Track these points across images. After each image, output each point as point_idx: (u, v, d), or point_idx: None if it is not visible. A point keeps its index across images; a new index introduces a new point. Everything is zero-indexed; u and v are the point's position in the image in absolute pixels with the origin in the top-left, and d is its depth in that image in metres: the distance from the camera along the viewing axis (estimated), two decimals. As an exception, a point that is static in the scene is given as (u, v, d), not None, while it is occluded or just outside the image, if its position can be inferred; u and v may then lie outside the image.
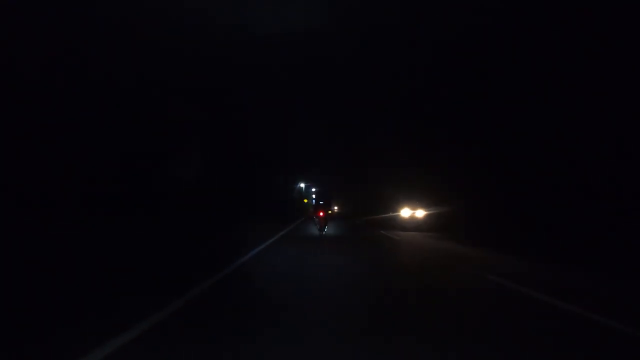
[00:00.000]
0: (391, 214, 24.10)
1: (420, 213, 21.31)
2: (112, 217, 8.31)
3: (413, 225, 21.02)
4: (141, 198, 9.54)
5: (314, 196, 60.40)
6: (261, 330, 3.33)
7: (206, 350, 2.84)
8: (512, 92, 13.28)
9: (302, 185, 50.02)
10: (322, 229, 15.80)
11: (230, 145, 16.79)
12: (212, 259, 7.59)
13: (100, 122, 8.69)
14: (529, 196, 12.84)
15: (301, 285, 5.31)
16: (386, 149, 29.08)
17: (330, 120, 30.30)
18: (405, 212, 21.96)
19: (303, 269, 6.87)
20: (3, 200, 6.68)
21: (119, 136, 8.91)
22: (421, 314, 4.04)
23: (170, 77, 10.33)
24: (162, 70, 9.90)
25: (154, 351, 2.83)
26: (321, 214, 16.16)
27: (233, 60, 13.53)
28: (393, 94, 21.69)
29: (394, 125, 26.14)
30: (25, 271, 5.12)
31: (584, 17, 9.69)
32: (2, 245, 5.74)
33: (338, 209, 54.31)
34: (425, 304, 4.56)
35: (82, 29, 8.02)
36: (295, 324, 3.50)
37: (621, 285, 6.18)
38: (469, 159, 17.20)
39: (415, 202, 21.52)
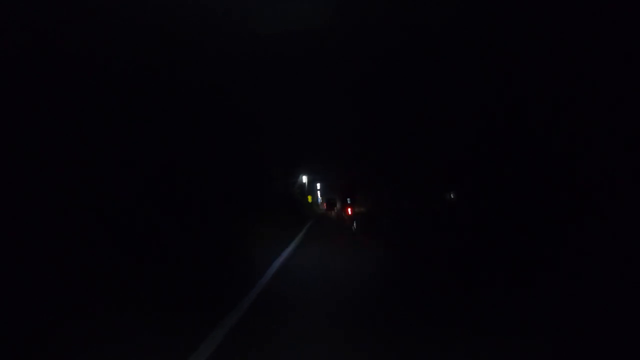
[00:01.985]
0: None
1: None
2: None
3: None
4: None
5: (319, 194, 56.84)
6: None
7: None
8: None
9: (305, 179, 40.52)
10: (351, 225, 16.46)
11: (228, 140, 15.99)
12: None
13: (99, 122, 8.62)
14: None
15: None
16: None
17: (336, 114, 29.96)
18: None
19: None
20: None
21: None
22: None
23: (169, 76, 10.28)
24: (160, 69, 9.85)
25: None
26: (349, 211, 17.29)
27: (233, 58, 13.48)
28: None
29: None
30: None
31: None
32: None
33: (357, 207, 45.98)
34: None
35: (81, 28, 7.96)
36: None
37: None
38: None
39: None
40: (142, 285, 5.04)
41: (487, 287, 5.72)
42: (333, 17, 13.12)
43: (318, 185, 53.76)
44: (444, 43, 14.85)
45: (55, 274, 4.94)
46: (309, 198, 41.18)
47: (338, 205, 31.37)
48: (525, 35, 11.07)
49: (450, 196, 26.02)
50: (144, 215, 8.84)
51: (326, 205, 41.07)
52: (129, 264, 6.05)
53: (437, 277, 6.66)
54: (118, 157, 8.72)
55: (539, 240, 9.77)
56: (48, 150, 7.00)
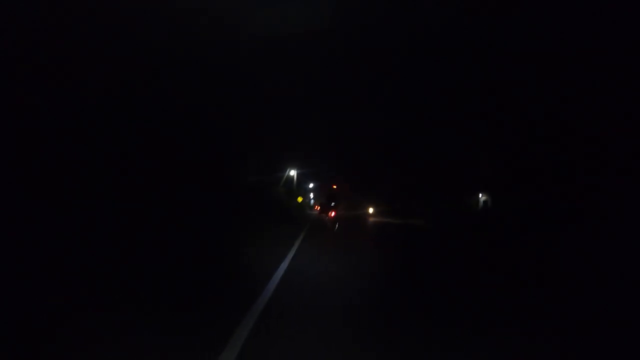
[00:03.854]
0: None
1: None
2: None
3: None
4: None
5: (312, 194, 53.86)
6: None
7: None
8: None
9: (294, 173, 33.82)
10: (332, 226, 17.44)
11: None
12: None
13: (99, 120, 8.62)
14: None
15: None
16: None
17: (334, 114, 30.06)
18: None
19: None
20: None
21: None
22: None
23: (168, 76, 10.27)
24: (159, 68, 9.85)
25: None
26: (332, 214, 19.02)
27: (233, 60, 13.47)
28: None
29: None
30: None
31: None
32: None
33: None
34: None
35: (80, 27, 7.96)
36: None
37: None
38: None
39: None
40: (142, 285, 5.04)
41: (487, 287, 5.72)
42: (333, 17, 13.14)
43: (311, 185, 50.59)
44: (444, 43, 14.86)
45: (55, 274, 4.93)
46: (299, 199, 35.45)
47: (325, 208, 31.48)
48: (526, 35, 11.08)
49: (479, 199, 25.17)
50: (144, 215, 8.79)
51: (319, 208, 41.03)
52: (129, 264, 6.03)
53: (437, 277, 6.66)
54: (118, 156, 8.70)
55: (539, 240, 9.76)
56: (48, 150, 6.99)
